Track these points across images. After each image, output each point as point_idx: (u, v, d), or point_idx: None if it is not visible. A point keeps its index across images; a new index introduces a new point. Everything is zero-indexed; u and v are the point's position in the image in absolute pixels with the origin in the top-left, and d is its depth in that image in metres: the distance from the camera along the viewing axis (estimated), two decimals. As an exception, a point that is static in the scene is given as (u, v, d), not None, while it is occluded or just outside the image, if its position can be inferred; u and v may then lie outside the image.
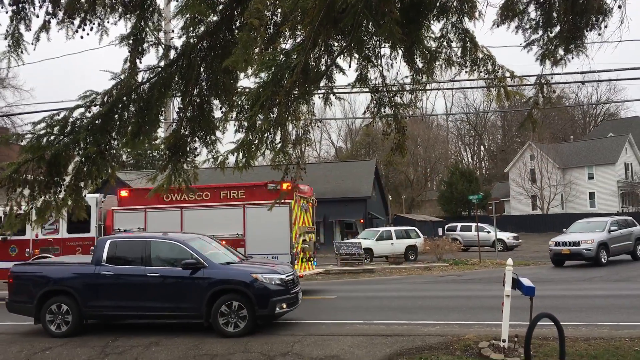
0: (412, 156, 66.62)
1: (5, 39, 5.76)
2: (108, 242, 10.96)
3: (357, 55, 6.92)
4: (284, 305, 10.31)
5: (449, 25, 6.62)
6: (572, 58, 6.40)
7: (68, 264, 11.37)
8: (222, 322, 9.95)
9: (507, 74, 6.53)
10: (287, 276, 10.65)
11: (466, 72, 6.76)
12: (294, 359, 8.29)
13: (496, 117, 79.73)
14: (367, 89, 7.66)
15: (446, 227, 40.30)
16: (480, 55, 6.59)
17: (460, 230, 38.38)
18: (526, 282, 8.02)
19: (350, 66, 7.04)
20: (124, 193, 17.49)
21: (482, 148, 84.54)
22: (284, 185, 13.55)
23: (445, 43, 6.72)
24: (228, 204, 16.40)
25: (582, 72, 19.11)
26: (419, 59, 6.86)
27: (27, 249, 17.08)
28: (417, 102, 7.82)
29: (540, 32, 6.27)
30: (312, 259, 17.17)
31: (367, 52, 6.93)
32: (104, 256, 10.70)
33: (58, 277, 10.71)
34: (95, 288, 10.47)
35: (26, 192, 6.14)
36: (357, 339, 9.22)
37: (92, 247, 15.30)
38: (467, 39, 6.56)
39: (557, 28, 6.14)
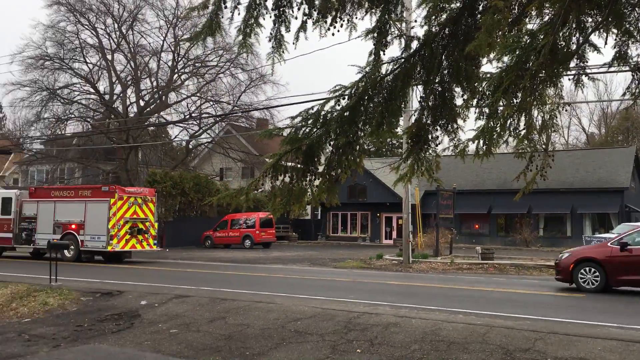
0: (683, 142, 57.56)
1: (270, 41, 6.50)
2: None
3: (615, 31, 6.25)
4: None
5: None
6: None
7: None
8: None
9: None
10: None
11: None
12: (536, 357, 7.89)
13: None
14: (626, 68, 6.88)
15: None
16: None
17: None
18: None
19: (606, 43, 6.39)
20: (31, 191, 26.98)
21: None
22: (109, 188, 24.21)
23: None
24: (79, 199, 24.61)
25: None
26: (695, 28, 5.92)
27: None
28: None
29: None
30: (148, 239, 24.78)
31: (627, 26, 6.22)
32: None
33: None
34: None
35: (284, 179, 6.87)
36: (609, 343, 8.40)
37: (21, 224, 25.55)
38: None
39: None
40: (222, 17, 6.33)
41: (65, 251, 23.41)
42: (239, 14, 6.24)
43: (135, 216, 24.30)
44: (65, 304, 12.74)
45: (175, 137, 49.81)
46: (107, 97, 43.21)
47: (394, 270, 22.24)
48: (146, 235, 24.72)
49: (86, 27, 41.62)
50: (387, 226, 46.65)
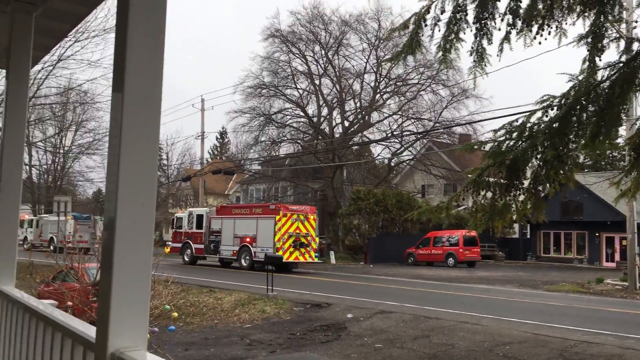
0: None
1: (470, 55, 6.37)
2: None
3: None
4: None
5: None
6: None
7: None
8: None
9: None
10: None
11: None
12: None
13: None
14: None
15: None
16: None
17: None
18: None
19: None
20: (217, 209, 31.54)
21: None
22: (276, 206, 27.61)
23: None
24: (252, 216, 28.17)
25: None
26: None
27: (183, 237, 31.50)
28: None
29: None
30: (310, 252, 27.23)
31: None
32: None
33: None
34: None
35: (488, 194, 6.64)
36: None
37: (210, 237, 30.02)
38: None
39: None
40: (422, 35, 6.39)
41: (242, 260, 27.80)
42: (439, 30, 6.25)
43: (297, 231, 27.04)
44: (280, 313, 13.75)
45: (378, 156, 51.13)
46: (315, 119, 46.12)
47: (617, 297, 20.00)
48: (308, 248, 27.23)
49: (297, 55, 45.11)
50: (608, 247, 42.10)
